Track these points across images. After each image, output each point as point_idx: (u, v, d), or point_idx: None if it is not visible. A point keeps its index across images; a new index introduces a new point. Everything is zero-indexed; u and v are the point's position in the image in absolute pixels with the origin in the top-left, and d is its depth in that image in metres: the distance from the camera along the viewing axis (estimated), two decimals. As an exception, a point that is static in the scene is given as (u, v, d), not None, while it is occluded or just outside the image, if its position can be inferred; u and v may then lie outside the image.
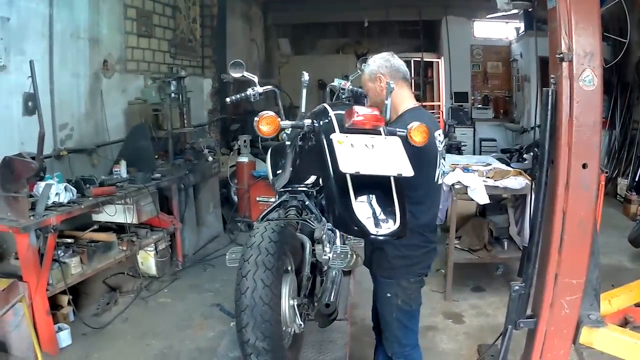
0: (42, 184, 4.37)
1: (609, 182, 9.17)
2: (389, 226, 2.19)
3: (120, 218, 5.07)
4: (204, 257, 6.52)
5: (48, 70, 5.32)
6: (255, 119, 2.44)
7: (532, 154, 10.32)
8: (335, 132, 2.35)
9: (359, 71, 3.56)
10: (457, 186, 5.01)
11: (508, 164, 6.99)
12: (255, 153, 7.74)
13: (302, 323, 2.65)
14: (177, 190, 6.06)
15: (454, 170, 5.30)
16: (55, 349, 4.21)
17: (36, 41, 5.18)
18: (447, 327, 4.72)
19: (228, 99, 3.65)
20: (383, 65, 2.97)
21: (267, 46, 12.94)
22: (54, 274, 4.29)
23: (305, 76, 3.04)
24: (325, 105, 2.70)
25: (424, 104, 13.13)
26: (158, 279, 5.73)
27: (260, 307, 2.38)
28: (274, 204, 3.26)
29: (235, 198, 7.98)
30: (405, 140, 2.37)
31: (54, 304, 4.42)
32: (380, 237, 2.21)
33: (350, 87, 3.94)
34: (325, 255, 2.85)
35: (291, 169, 3.11)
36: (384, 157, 2.19)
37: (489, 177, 5.14)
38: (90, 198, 4.69)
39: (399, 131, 2.40)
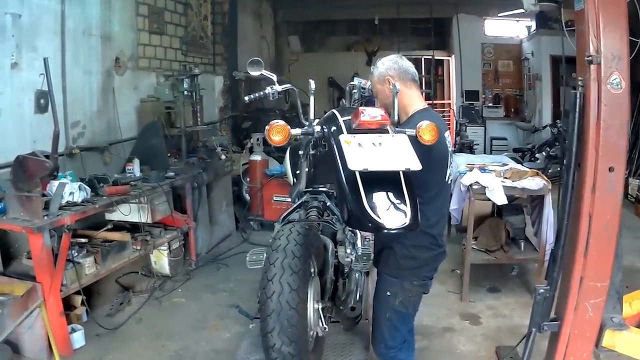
0: (55, 183, 4.31)
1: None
2: (401, 220, 2.18)
3: (134, 217, 5.02)
4: (217, 256, 6.48)
5: (60, 67, 5.26)
6: (266, 127, 2.46)
7: (544, 153, 10.30)
8: (343, 133, 2.36)
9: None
10: (475, 186, 4.96)
11: (520, 164, 6.91)
12: (268, 151, 7.68)
13: (326, 327, 2.60)
14: (191, 188, 6.01)
15: (471, 170, 5.24)
16: (69, 351, 4.16)
17: (48, 38, 5.12)
18: (464, 329, 4.67)
19: (247, 98, 3.61)
20: (391, 67, 2.95)
21: (277, 43, 12.89)
22: (68, 275, 4.23)
23: (312, 84, 3.01)
24: (334, 111, 2.69)
25: (434, 102, 13.15)
26: (171, 279, 5.68)
27: (286, 311, 2.34)
28: (295, 205, 3.22)
29: (247, 196, 7.93)
30: (415, 140, 2.38)
31: (67, 305, 4.36)
32: (394, 231, 2.19)
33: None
34: (347, 257, 2.82)
35: (305, 178, 3.09)
36: (392, 154, 2.22)
37: (506, 178, 5.08)
38: (105, 197, 4.64)
39: (409, 131, 2.41)
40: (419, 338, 4.05)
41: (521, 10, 11.86)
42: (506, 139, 12.46)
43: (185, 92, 6.23)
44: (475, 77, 13.31)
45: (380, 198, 2.22)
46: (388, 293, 2.91)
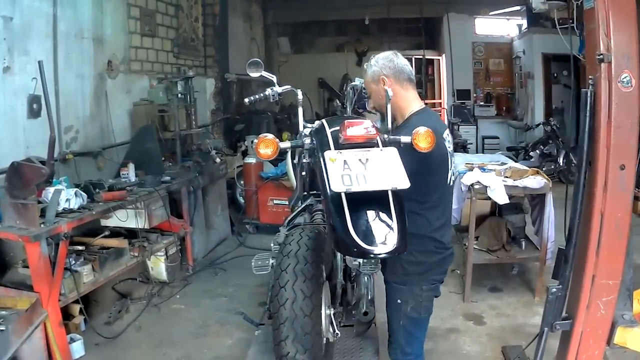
0: (51, 190, 4.19)
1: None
2: (388, 244, 2.08)
3: (131, 223, 4.94)
4: (213, 260, 6.39)
5: (52, 71, 5.16)
6: (255, 141, 2.39)
7: (538, 151, 10.31)
8: (330, 149, 2.27)
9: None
10: (476, 186, 4.91)
11: (515, 162, 6.88)
12: (262, 154, 7.56)
13: (338, 332, 2.53)
14: (187, 193, 5.93)
15: (471, 170, 5.20)
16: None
17: (40, 41, 5.02)
18: (468, 329, 4.62)
19: (247, 100, 3.56)
20: (386, 66, 2.84)
21: (267, 45, 12.81)
22: (66, 284, 4.12)
23: (300, 94, 2.95)
24: (324, 122, 2.60)
25: (425, 102, 13.10)
26: (169, 285, 5.58)
27: (301, 319, 2.28)
28: (299, 209, 3.16)
29: (241, 199, 7.87)
30: (411, 147, 2.31)
31: (65, 314, 4.22)
32: (381, 256, 2.12)
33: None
34: (355, 261, 2.74)
35: (301, 185, 3.03)
36: (379, 171, 2.12)
37: (507, 177, 5.04)
38: (101, 203, 4.54)
39: (404, 138, 2.34)
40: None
41: (512, 9, 12.00)
42: (498, 138, 12.44)
43: (179, 95, 6.15)
44: (466, 76, 13.32)
45: (367, 220, 2.13)
46: (399, 301, 2.84)
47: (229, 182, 7.58)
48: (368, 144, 2.24)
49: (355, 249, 2.08)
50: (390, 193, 2.14)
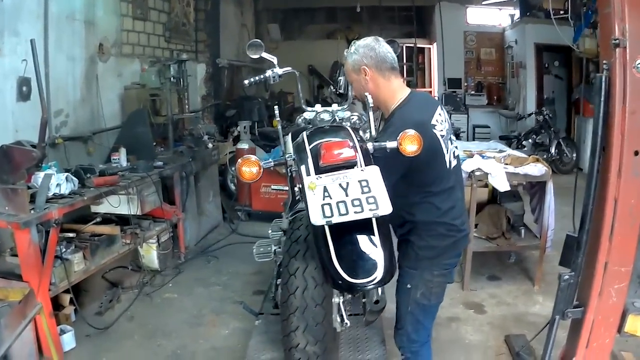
0: (40, 175, 4.02)
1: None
2: (374, 274, 2.03)
3: (123, 209, 4.79)
4: (206, 248, 6.29)
5: (43, 53, 4.99)
6: (239, 160, 2.31)
7: (530, 140, 10.29)
8: (309, 173, 2.18)
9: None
10: (477, 173, 4.83)
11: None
12: (254, 140, 7.51)
13: (348, 322, 2.43)
14: (179, 178, 5.80)
15: (471, 156, 5.10)
16: (60, 353, 3.87)
17: (31, 22, 4.87)
18: (469, 318, 4.56)
19: (247, 81, 3.48)
20: (367, 54, 2.70)
21: (257, 32, 12.66)
22: (57, 272, 3.97)
23: (276, 110, 2.90)
24: (304, 136, 2.47)
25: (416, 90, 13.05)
26: (160, 273, 5.46)
27: (312, 308, 2.18)
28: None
29: (232, 186, 7.76)
30: (398, 151, 2.25)
31: (54, 304, 4.06)
32: (367, 288, 2.08)
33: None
34: None
35: (293, 194, 2.95)
36: (360, 196, 2.04)
37: (507, 164, 4.96)
38: (92, 188, 4.38)
39: (390, 144, 2.29)
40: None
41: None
42: (489, 127, 12.45)
43: (172, 79, 6.02)
44: (457, 65, 13.27)
45: (351, 250, 2.08)
46: (408, 285, 2.76)
47: (220, 168, 7.47)
48: (347, 163, 2.16)
49: (340, 282, 2.03)
50: (373, 219, 2.08)
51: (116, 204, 4.68)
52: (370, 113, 2.59)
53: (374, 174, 2.10)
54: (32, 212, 3.72)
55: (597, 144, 2.79)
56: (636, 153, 2.68)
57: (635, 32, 2.58)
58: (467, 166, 4.86)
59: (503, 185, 4.80)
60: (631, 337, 3.02)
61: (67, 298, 4.23)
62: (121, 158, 5.13)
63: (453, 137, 2.84)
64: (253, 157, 2.32)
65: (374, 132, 2.62)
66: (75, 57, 5.58)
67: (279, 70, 3.30)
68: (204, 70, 9.13)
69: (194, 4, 8.71)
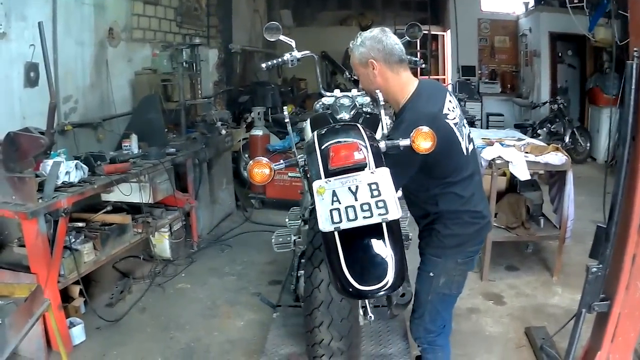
0: (49, 162, 3.89)
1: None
2: (384, 281, 1.98)
3: (134, 197, 4.70)
4: (219, 237, 6.19)
5: (51, 38, 4.92)
6: (250, 162, 2.29)
7: (545, 129, 10.15)
8: (319, 176, 2.11)
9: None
10: (498, 161, 4.73)
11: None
12: (268, 126, 7.43)
13: (372, 315, 2.33)
14: (192, 165, 5.69)
15: (491, 144, 4.99)
16: (69, 347, 3.77)
17: (39, 6, 4.78)
18: (489, 309, 4.47)
19: (264, 65, 3.36)
20: (375, 47, 2.58)
21: (269, 18, 12.49)
22: (66, 264, 3.86)
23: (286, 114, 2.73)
24: (315, 135, 2.38)
25: (429, 77, 12.91)
26: (173, 263, 5.36)
27: (337, 302, 2.08)
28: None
29: (246, 173, 7.64)
30: (411, 149, 2.18)
31: (64, 296, 3.99)
32: (378, 295, 2.02)
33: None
34: None
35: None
36: (370, 200, 2.00)
37: (527, 153, 4.84)
38: (103, 176, 4.29)
39: (402, 142, 2.22)
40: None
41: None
42: (503, 115, 12.29)
43: (185, 63, 5.91)
44: (471, 52, 13.08)
45: (361, 256, 2.02)
46: (431, 274, 2.70)
47: (233, 155, 7.37)
48: (357, 166, 2.09)
49: (350, 289, 1.97)
50: (384, 224, 2.01)
51: (127, 192, 4.59)
52: (382, 110, 2.50)
53: (384, 176, 2.05)
54: (40, 201, 3.62)
55: (627, 133, 2.69)
56: (667, 141, 2.59)
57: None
58: (487, 154, 4.77)
59: (524, 174, 4.69)
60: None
61: (76, 289, 4.16)
62: (132, 145, 5.02)
63: (465, 121, 2.75)
64: (264, 160, 2.28)
65: (385, 130, 2.54)
66: (84, 41, 5.48)
67: (298, 54, 3.22)
68: (216, 55, 9.03)
69: (206, -11, 8.58)
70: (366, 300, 2.37)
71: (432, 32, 13.61)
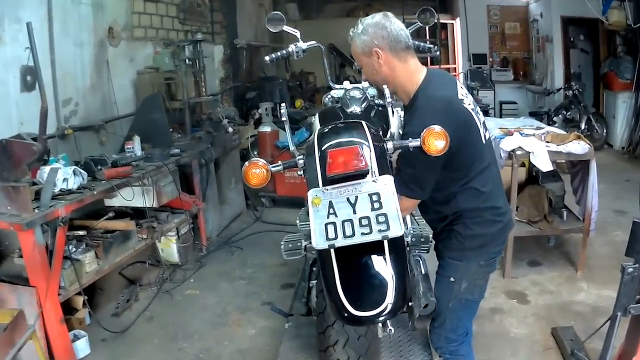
0: (46, 169, 3.73)
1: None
2: (382, 305, 1.84)
3: (137, 202, 4.50)
4: (229, 239, 6.02)
5: (47, 39, 4.76)
6: (246, 163, 2.15)
7: (561, 116, 9.93)
8: (317, 184, 1.96)
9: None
10: (518, 152, 4.52)
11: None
12: (276, 122, 7.27)
13: (392, 328, 2.14)
14: (198, 166, 5.52)
15: (510, 134, 4.77)
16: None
17: (33, 7, 4.60)
18: (513, 309, 4.28)
19: (267, 58, 3.17)
20: (379, 35, 2.37)
21: (275, 11, 12.37)
22: (66, 275, 3.69)
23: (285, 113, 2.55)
24: (315, 135, 2.21)
25: (440, 67, 12.72)
26: (181, 267, 5.20)
27: None
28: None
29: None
30: (422, 150, 2.04)
31: (66, 307, 3.84)
32: (375, 322, 1.91)
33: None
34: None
35: None
36: (369, 214, 1.86)
37: (548, 142, 4.61)
38: (103, 181, 4.11)
39: (412, 142, 2.06)
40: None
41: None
42: (516, 103, 12.08)
43: (187, 60, 5.75)
44: (481, 40, 12.89)
45: (358, 277, 1.89)
46: (452, 279, 2.50)
47: (242, 153, 7.18)
48: (358, 173, 1.94)
49: (345, 314, 1.84)
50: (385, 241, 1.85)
51: (130, 197, 4.39)
52: (389, 106, 2.32)
53: (387, 185, 1.89)
54: (36, 210, 3.45)
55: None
56: None
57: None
58: (506, 145, 4.57)
59: (546, 165, 4.48)
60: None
61: (80, 300, 4.01)
62: (135, 147, 4.85)
63: (478, 108, 2.56)
64: (261, 161, 2.14)
65: (393, 129, 2.33)
66: (83, 42, 5.31)
67: (303, 45, 3.03)
68: (222, 51, 8.85)
69: (209, -16, 8.41)
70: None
71: (442, 21, 13.45)
